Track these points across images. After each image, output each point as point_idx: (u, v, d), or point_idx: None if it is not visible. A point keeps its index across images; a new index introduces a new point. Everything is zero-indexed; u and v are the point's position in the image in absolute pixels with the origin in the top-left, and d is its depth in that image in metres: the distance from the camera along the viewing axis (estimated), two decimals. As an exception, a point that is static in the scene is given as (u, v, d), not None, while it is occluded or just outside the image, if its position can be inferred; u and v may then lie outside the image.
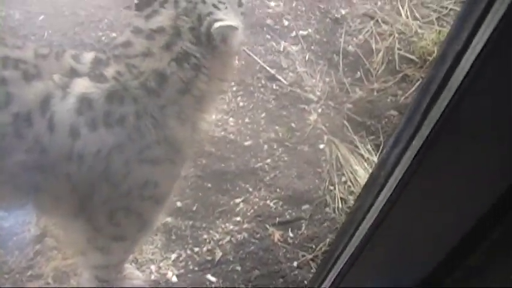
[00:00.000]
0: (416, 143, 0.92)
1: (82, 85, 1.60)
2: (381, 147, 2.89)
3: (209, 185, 2.68)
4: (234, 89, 3.04)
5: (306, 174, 2.79)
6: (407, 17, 3.50)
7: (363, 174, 2.74)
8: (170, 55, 1.62)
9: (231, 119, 2.93)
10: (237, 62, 3.02)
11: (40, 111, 1.55)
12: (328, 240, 2.57)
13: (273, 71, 3.15)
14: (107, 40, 3.09)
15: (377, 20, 3.48)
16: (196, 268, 2.44)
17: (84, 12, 3.24)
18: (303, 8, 3.51)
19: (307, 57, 3.26)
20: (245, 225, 2.58)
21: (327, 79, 3.18)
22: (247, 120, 2.94)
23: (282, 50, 3.27)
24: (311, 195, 2.72)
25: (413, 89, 3.16)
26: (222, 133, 2.86)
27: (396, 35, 3.40)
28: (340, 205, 2.67)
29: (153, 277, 2.38)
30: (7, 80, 1.56)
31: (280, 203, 2.68)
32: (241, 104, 3.00)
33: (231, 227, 2.57)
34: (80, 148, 1.58)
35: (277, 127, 2.94)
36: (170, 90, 1.64)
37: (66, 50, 1.70)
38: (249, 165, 2.77)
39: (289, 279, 2.45)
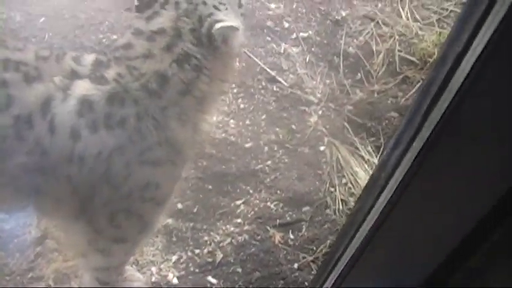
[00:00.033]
0: (417, 145, 0.92)
1: (83, 87, 1.60)
2: (382, 148, 2.89)
3: (210, 186, 2.68)
4: (235, 91, 3.05)
5: (307, 176, 2.79)
6: (407, 19, 3.51)
7: (363, 176, 2.74)
8: (171, 56, 1.62)
9: (231, 121, 2.93)
10: (237, 64, 3.03)
11: (41, 113, 1.55)
12: (328, 241, 2.57)
13: (273, 73, 3.15)
14: (107, 42, 3.09)
15: (377, 22, 3.48)
16: (197, 270, 2.44)
17: (84, 14, 3.25)
18: (304, 10, 3.51)
19: (307, 59, 3.26)
20: (246, 227, 2.58)
21: (328, 81, 3.18)
22: (247, 122, 2.94)
23: (282, 52, 3.28)
24: (311, 197, 2.72)
25: (414, 90, 3.17)
26: (223, 135, 2.86)
27: (397, 37, 3.40)
28: (340, 207, 2.67)
29: (153, 279, 2.38)
30: (8, 82, 1.56)
31: (281, 204, 2.68)
32: (241, 106, 3.00)
33: (232, 228, 2.57)
34: (81, 150, 1.58)
35: (277, 129, 2.94)
36: (171, 91, 1.64)
37: (67, 52, 1.70)
38: (249, 167, 2.78)
39: (289, 281, 2.45)
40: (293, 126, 2.97)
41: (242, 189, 2.70)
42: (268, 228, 2.59)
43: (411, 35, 3.42)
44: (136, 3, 1.70)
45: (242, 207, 2.64)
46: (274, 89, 3.10)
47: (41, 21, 3.15)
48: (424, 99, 0.88)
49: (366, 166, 2.81)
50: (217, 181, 2.70)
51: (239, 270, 2.45)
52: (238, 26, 1.64)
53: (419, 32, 3.42)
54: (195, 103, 1.71)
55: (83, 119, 1.57)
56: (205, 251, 2.49)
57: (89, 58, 1.68)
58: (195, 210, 2.60)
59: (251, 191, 2.70)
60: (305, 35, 3.38)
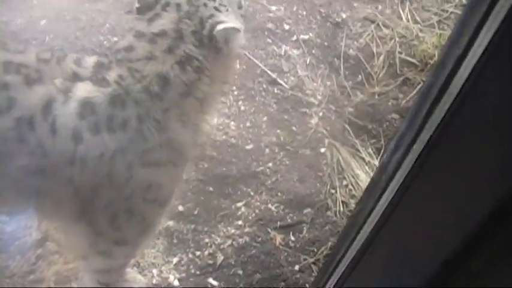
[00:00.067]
0: (418, 147, 0.92)
1: (84, 89, 1.60)
2: (382, 150, 2.89)
3: (211, 189, 2.68)
4: (235, 93, 3.05)
5: (307, 177, 2.79)
6: (408, 21, 3.51)
7: (364, 178, 2.74)
8: (173, 58, 1.62)
9: (232, 123, 2.93)
10: (238, 66, 3.03)
11: (42, 115, 1.56)
12: (329, 243, 2.57)
13: (274, 75, 3.16)
14: (108, 45, 3.09)
15: (378, 24, 3.49)
16: (198, 272, 2.44)
17: (85, 16, 3.25)
18: (304, 12, 3.51)
19: (308, 61, 3.26)
20: (247, 229, 2.58)
21: (328, 83, 3.18)
22: (248, 124, 2.94)
23: (283, 54, 3.28)
24: (312, 199, 2.72)
25: (415, 92, 3.17)
26: (224, 137, 2.86)
27: (397, 39, 3.40)
28: (341, 208, 2.67)
29: (154, 281, 2.38)
30: (9, 85, 1.56)
31: (282, 206, 2.68)
32: (242, 108, 3.00)
33: (233, 230, 2.57)
34: (83, 152, 1.58)
35: (278, 131, 2.94)
36: (173, 93, 1.64)
37: (68, 54, 1.70)
38: (250, 169, 2.78)
39: (290, 282, 2.45)
40: (294, 128, 2.97)
41: (243, 191, 2.70)
42: (269, 230, 2.59)
43: (411, 36, 3.42)
44: (137, 5, 1.70)
45: (243, 209, 2.64)
46: (275, 91, 3.10)
47: (42, 24, 3.16)
48: (424, 102, 0.88)
49: (367, 168, 2.81)
50: (218, 183, 2.70)
51: (240, 272, 2.45)
52: (239, 27, 1.64)
53: (420, 34, 3.42)
54: (196, 104, 1.72)
55: (84, 121, 1.57)
56: (206, 253, 2.49)
57: (90, 60, 1.68)
58: (195, 212, 2.60)
59: (252, 193, 2.70)
60: (305, 37, 3.38)
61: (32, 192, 1.68)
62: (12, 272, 2.30)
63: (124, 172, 1.64)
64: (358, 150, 2.88)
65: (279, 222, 2.62)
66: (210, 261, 2.47)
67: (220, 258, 2.48)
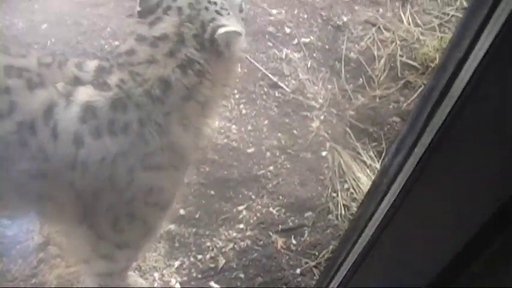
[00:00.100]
0: (419, 150, 0.92)
1: (86, 93, 1.60)
2: (383, 154, 2.89)
3: (212, 192, 2.68)
4: (237, 96, 3.05)
5: (309, 181, 2.79)
6: (409, 24, 3.51)
7: (365, 181, 2.74)
8: (174, 62, 1.62)
9: (233, 126, 2.93)
10: (239, 69, 3.03)
11: (44, 119, 1.56)
12: (331, 247, 2.57)
13: (275, 79, 3.16)
14: (109, 49, 3.10)
15: (379, 27, 3.49)
16: (199, 275, 2.44)
17: (86, 21, 3.25)
18: (305, 16, 3.52)
19: (309, 65, 3.27)
20: (248, 233, 2.58)
21: (329, 86, 3.18)
22: (249, 127, 2.95)
23: (284, 57, 3.28)
24: (314, 202, 2.72)
25: (416, 95, 3.17)
26: (225, 140, 2.86)
27: (398, 42, 3.41)
28: (343, 212, 2.67)
29: (156, 284, 2.38)
30: (11, 89, 1.56)
31: (283, 210, 2.68)
32: (243, 111, 3.01)
33: (234, 234, 2.57)
34: (84, 156, 1.58)
35: (279, 134, 2.94)
36: (174, 97, 1.64)
37: (69, 59, 1.71)
38: (251, 172, 2.78)
39: (292, 286, 2.45)
40: (295, 132, 2.97)
41: (244, 195, 2.70)
42: (271, 233, 2.59)
43: (413, 40, 3.43)
44: (138, 8, 1.70)
45: (244, 212, 2.64)
46: (276, 94, 3.10)
47: (44, 28, 3.16)
48: (425, 105, 0.88)
49: (368, 171, 2.81)
50: (220, 187, 2.70)
51: (241, 275, 2.45)
52: (240, 30, 1.65)
53: (421, 37, 3.43)
54: (198, 108, 1.72)
55: (86, 125, 1.58)
56: (208, 256, 2.49)
57: (92, 64, 1.68)
58: (197, 215, 2.60)
59: (253, 197, 2.70)
60: (307, 40, 3.39)
61: (34, 196, 1.69)
62: (14, 275, 2.30)
63: (125, 176, 1.64)
64: (359, 154, 2.88)
65: (280, 226, 2.62)
66: (212, 265, 2.47)
67: (221, 261, 2.48)
